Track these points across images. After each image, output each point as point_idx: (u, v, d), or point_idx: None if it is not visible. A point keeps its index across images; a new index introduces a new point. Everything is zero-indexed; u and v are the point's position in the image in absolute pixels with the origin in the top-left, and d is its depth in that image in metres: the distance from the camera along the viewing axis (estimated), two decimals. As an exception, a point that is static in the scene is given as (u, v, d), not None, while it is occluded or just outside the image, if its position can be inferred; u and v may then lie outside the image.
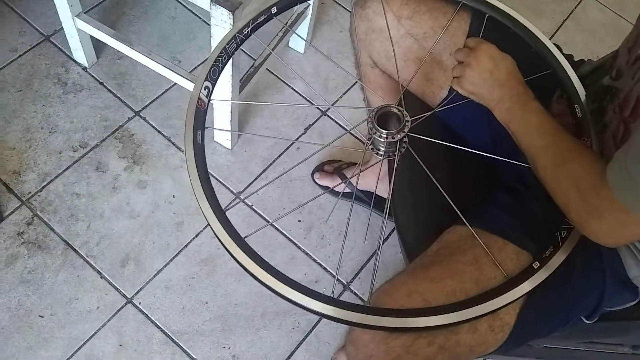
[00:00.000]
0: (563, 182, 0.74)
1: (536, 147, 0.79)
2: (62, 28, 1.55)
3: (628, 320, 0.98)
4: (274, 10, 0.89)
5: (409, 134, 0.79)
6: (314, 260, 1.44)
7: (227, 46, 0.85)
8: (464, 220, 0.82)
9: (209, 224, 0.72)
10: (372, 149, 0.82)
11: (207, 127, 0.79)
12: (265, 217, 1.48)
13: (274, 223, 1.47)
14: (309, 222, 1.49)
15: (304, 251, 1.45)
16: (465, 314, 0.69)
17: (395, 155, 0.81)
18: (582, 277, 0.86)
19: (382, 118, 0.79)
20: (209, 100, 0.81)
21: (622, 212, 0.67)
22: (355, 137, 1.62)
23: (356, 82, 1.70)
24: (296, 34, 1.67)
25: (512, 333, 0.83)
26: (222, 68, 0.85)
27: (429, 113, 0.92)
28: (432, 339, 0.78)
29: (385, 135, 0.77)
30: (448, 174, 1.04)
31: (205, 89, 0.81)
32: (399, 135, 0.77)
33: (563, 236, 0.75)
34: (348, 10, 1.84)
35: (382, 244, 1.50)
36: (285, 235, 1.46)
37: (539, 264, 0.74)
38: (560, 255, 0.74)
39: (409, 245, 1.02)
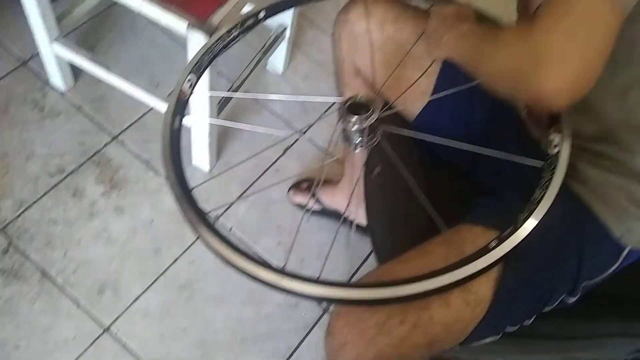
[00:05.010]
0: (505, 60, 0.70)
1: (476, 56, 0.78)
2: (39, 53, 1.54)
3: (606, 336, 0.99)
4: (262, 15, 0.91)
5: (383, 129, 0.79)
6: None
7: (213, 45, 0.86)
8: (439, 224, 0.81)
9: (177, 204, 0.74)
10: (345, 141, 0.82)
11: (186, 115, 0.80)
12: (245, 239, 1.47)
13: (254, 244, 1.47)
14: (289, 245, 1.48)
15: (284, 274, 1.44)
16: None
17: (365, 146, 0.81)
18: (559, 244, 0.85)
19: (352, 109, 0.79)
20: (191, 92, 0.82)
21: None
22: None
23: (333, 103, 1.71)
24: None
25: (490, 308, 0.81)
26: (208, 65, 0.86)
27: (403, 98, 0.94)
28: (404, 317, 0.77)
29: (354, 121, 0.77)
30: (424, 188, 1.04)
31: (188, 81, 0.82)
32: (367, 122, 0.77)
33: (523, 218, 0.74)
34: (326, 34, 1.85)
35: (364, 261, 1.50)
36: (264, 258, 1.46)
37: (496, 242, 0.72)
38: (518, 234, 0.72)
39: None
